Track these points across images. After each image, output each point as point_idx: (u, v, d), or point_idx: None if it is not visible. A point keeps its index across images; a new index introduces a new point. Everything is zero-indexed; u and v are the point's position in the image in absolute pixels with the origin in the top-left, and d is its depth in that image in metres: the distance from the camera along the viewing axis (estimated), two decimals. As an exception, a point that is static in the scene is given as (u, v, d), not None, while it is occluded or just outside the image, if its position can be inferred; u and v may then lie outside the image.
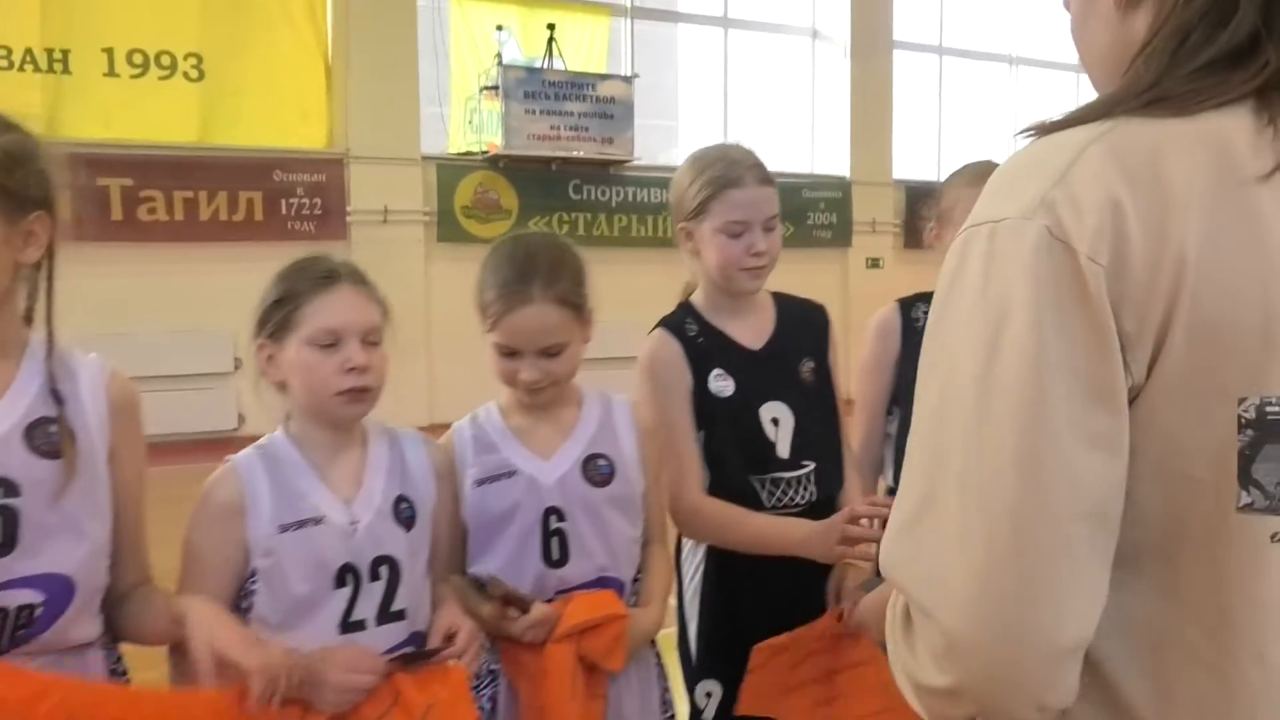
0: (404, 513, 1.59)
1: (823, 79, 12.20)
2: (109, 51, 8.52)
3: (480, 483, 1.72)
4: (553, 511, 1.72)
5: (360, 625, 1.53)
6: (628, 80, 10.42)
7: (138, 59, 8.63)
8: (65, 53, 8.38)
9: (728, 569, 1.98)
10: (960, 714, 0.77)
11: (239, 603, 1.53)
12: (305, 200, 9.18)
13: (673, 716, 1.88)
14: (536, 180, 10.16)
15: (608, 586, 1.75)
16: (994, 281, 0.76)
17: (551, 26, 10.15)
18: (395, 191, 9.45)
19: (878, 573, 2.11)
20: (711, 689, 1.99)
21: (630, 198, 10.58)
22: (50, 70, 8.33)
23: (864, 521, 1.79)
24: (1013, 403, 0.74)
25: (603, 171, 10.49)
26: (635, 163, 10.47)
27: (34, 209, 1.37)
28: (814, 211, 11.63)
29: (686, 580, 2.05)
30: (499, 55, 9.85)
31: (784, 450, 1.96)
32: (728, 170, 1.93)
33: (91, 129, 8.31)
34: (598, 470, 1.75)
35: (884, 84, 12.19)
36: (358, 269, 1.62)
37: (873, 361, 2.26)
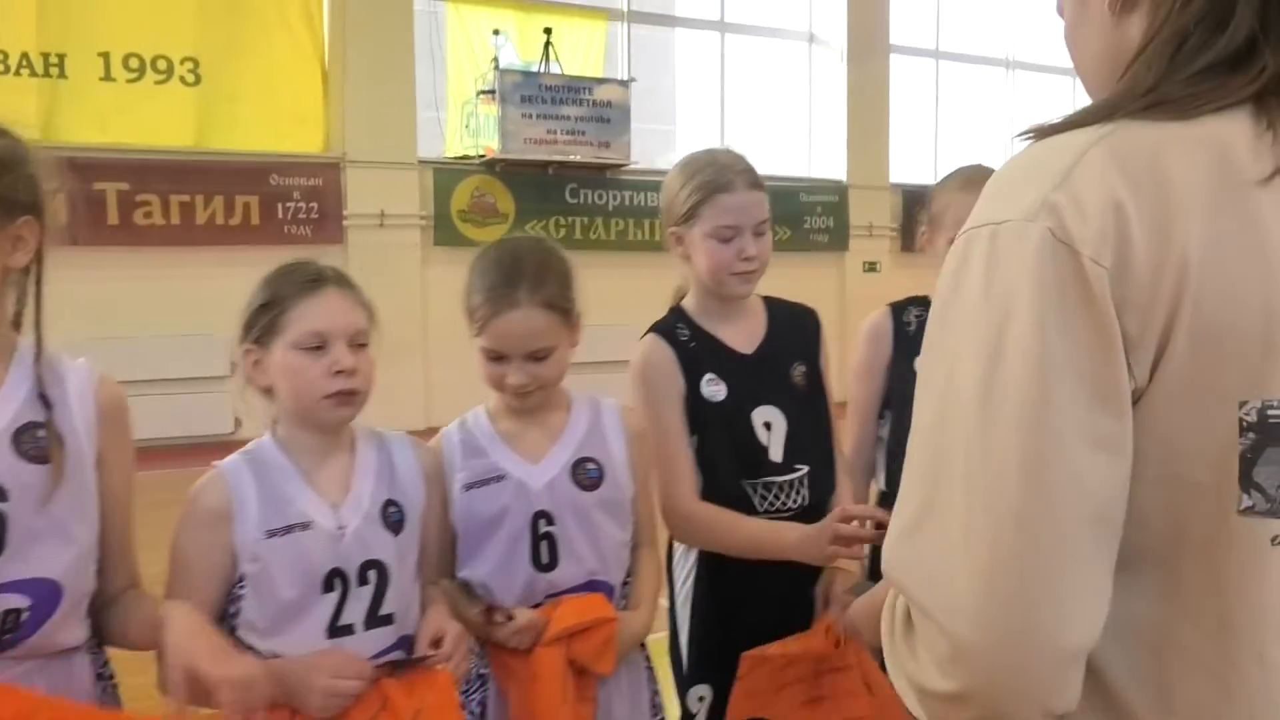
0: (392, 517, 1.59)
1: (819, 83, 12.22)
2: (105, 56, 8.53)
3: (469, 487, 1.72)
4: (542, 515, 1.72)
5: (348, 630, 1.52)
6: (624, 84, 10.44)
7: (134, 63, 8.64)
8: (61, 57, 8.39)
9: (720, 574, 1.98)
10: (965, 719, 0.76)
11: (227, 608, 1.52)
12: (302, 204, 9.18)
13: (663, 719, 1.88)
14: (533, 184, 10.17)
15: (597, 590, 1.75)
16: (996, 284, 0.76)
17: (548, 30, 10.17)
18: (392, 195, 9.46)
19: (870, 576, 2.12)
20: (704, 693, 1.99)
21: (627, 202, 10.59)
22: (46, 74, 8.34)
23: (855, 522, 1.79)
24: (1017, 404, 0.73)
25: (599, 175, 10.50)
26: (632, 167, 10.48)
27: (22, 214, 1.37)
28: (811, 215, 11.65)
29: (679, 585, 2.05)
30: (495, 59, 9.86)
31: (776, 454, 1.96)
32: (718, 175, 1.93)
33: (87, 133, 8.34)
34: (587, 474, 1.75)
35: (880, 88, 12.21)
36: (343, 273, 1.62)
37: (864, 365, 2.26)
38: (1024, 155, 0.83)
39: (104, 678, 1.49)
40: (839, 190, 11.90)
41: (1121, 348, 0.74)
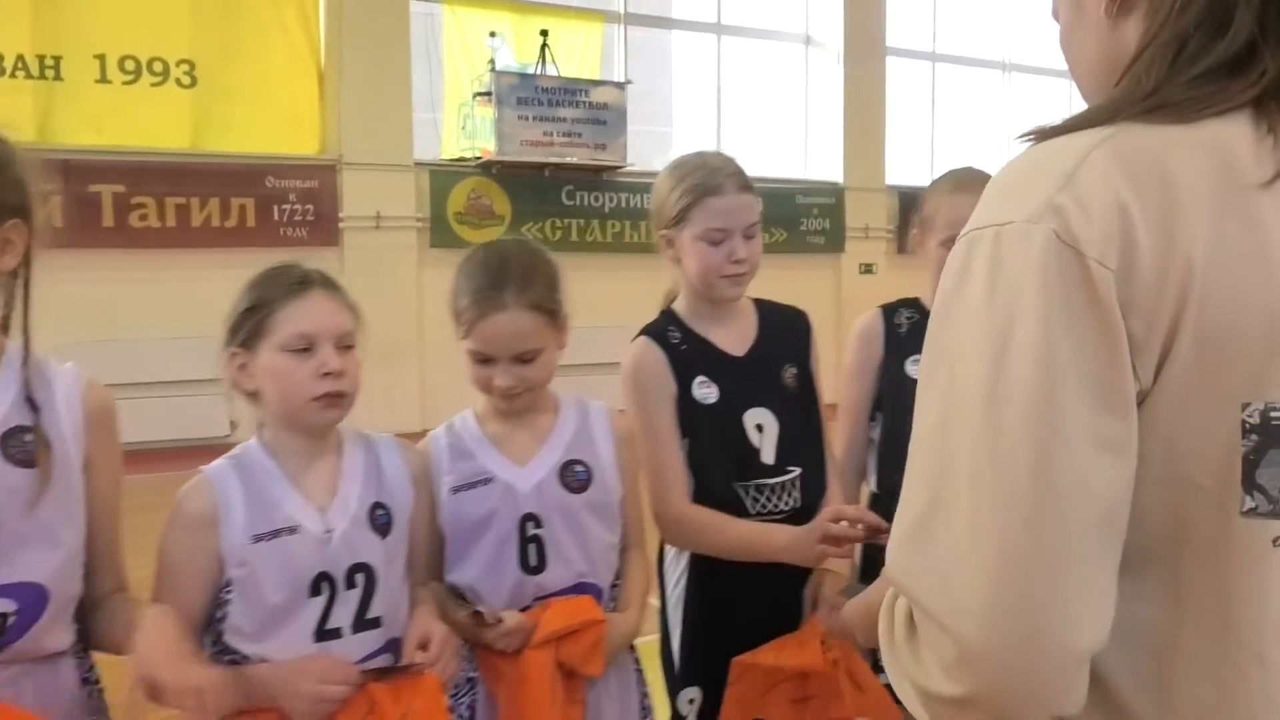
0: (380, 519, 1.58)
1: (816, 85, 12.22)
2: (101, 58, 8.51)
3: (456, 490, 1.72)
4: (530, 518, 1.72)
5: (336, 633, 1.52)
6: (621, 86, 10.43)
7: (130, 65, 8.62)
8: (57, 59, 8.37)
9: (711, 576, 1.98)
10: None
11: (214, 612, 1.52)
12: (298, 206, 9.17)
13: (652, 722, 1.88)
14: (529, 186, 10.16)
15: (586, 593, 1.75)
16: (1001, 285, 0.76)
17: (545, 33, 10.15)
18: (388, 197, 9.45)
19: (860, 578, 2.12)
20: (694, 696, 1.99)
21: (623, 204, 10.59)
22: (42, 77, 8.32)
23: (845, 522, 1.78)
24: (1023, 406, 0.73)
25: (596, 177, 10.49)
26: (628, 169, 10.47)
27: (10, 216, 1.37)
28: (807, 217, 11.64)
29: (670, 588, 2.05)
30: (492, 61, 9.84)
31: (769, 456, 1.96)
32: (707, 178, 1.93)
33: (83, 135, 8.32)
34: (575, 476, 1.75)
35: (877, 90, 12.21)
36: (329, 275, 1.62)
37: (855, 367, 2.26)
38: (1025, 157, 0.82)
39: (89, 682, 1.49)
40: (835, 192, 11.89)
41: (1127, 350, 0.74)
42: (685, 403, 1.94)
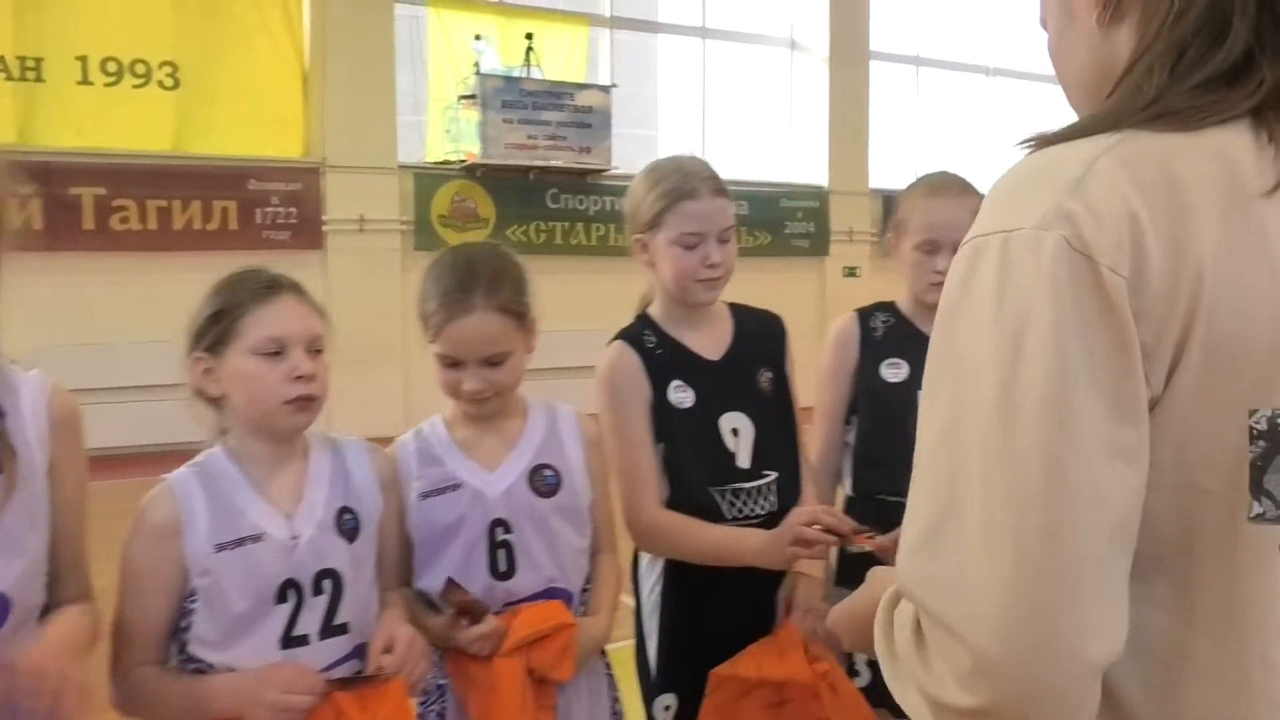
0: (347, 524, 1.57)
1: (801, 89, 12.24)
2: (83, 59, 8.46)
3: (425, 496, 1.71)
4: (499, 523, 1.71)
5: (303, 640, 1.51)
6: (606, 90, 10.42)
7: (112, 67, 8.57)
8: (38, 60, 8.32)
9: (686, 582, 1.97)
10: None
11: (179, 621, 1.51)
12: (280, 209, 9.13)
13: (623, 726, 1.87)
14: (514, 189, 10.15)
15: (556, 597, 1.74)
16: (1010, 292, 0.75)
17: (530, 36, 10.15)
18: (372, 200, 9.42)
19: (836, 581, 2.12)
20: (669, 703, 1.98)
21: (608, 207, 10.58)
22: (23, 78, 8.26)
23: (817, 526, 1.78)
24: (1036, 413, 0.72)
25: (580, 181, 10.49)
26: (613, 172, 10.46)
27: (-27, 220, 1.36)
28: (791, 220, 11.65)
29: (645, 594, 2.04)
30: (477, 64, 9.83)
31: (744, 460, 1.96)
32: (682, 182, 1.92)
33: (65, 137, 8.28)
34: (544, 481, 1.75)
35: (861, 94, 12.25)
36: (296, 281, 1.61)
37: (831, 371, 2.25)
38: (1027, 164, 0.81)
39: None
40: (820, 195, 11.92)
41: (1139, 358, 0.74)
42: (661, 407, 1.93)
